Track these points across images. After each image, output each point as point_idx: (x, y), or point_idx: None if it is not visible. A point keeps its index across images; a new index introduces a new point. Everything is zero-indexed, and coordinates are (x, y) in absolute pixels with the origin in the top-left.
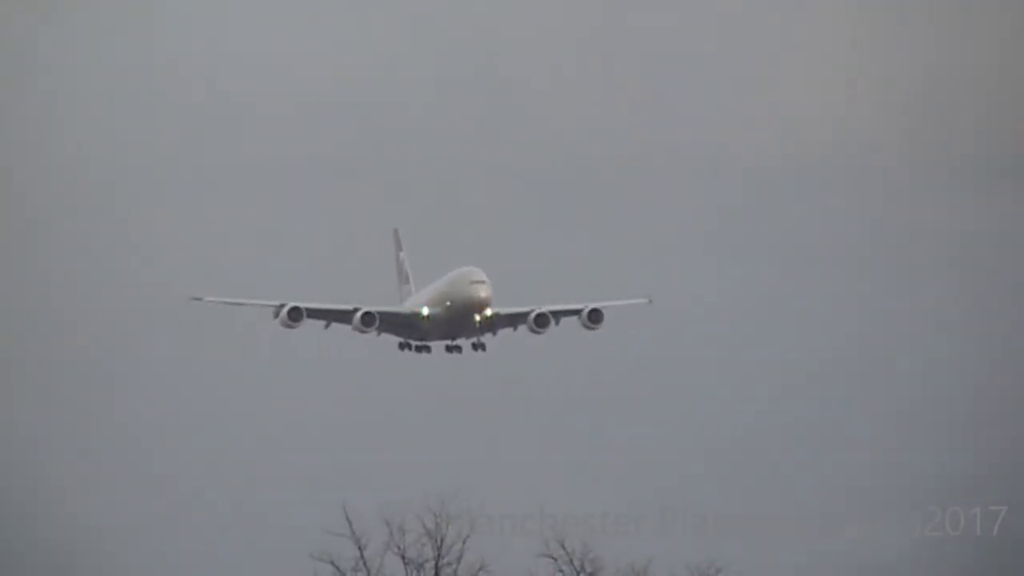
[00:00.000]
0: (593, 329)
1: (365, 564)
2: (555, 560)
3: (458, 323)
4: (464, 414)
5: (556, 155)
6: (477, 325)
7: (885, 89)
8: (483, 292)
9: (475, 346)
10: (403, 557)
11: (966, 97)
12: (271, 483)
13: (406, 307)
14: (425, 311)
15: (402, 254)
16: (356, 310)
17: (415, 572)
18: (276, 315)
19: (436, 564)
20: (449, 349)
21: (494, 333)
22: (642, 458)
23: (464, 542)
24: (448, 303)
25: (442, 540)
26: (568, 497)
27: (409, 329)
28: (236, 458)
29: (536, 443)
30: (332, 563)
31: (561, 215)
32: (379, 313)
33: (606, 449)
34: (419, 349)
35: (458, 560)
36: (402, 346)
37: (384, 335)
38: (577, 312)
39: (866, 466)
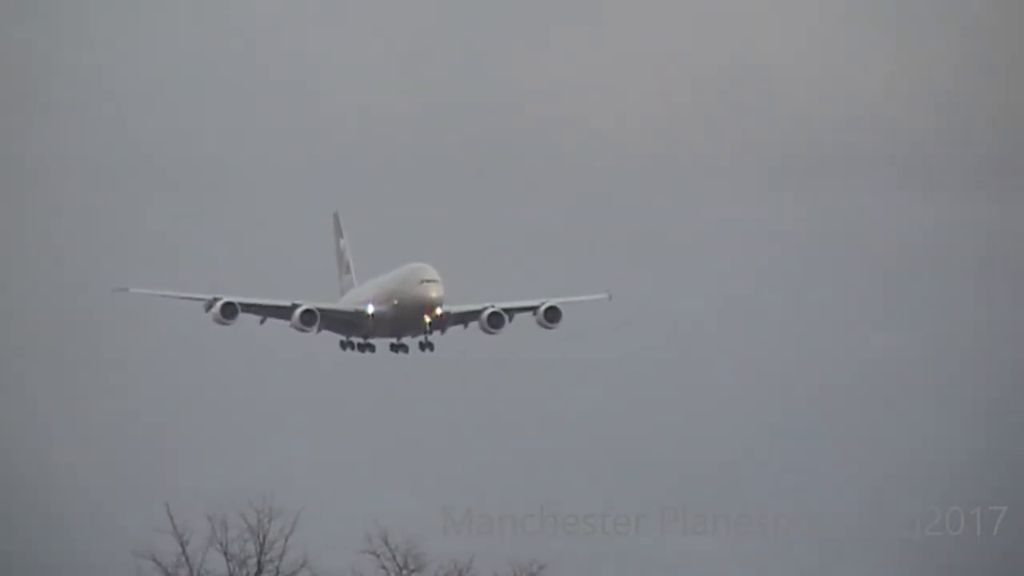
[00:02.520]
0: (550, 328)
1: (188, 560)
2: (378, 556)
3: (405, 322)
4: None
5: (511, 140)
6: (426, 325)
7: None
8: (434, 292)
9: (422, 345)
10: (225, 553)
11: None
12: (94, 479)
13: (349, 304)
14: (370, 309)
15: (343, 240)
16: (295, 307)
17: (237, 568)
18: (208, 309)
19: (259, 561)
20: (394, 348)
21: (443, 331)
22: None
23: (287, 539)
24: (395, 302)
25: (264, 537)
26: (392, 500)
27: (352, 327)
28: (63, 453)
29: (374, 446)
30: (154, 559)
31: (516, 203)
32: (320, 310)
33: (443, 454)
34: (362, 348)
35: (280, 557)
36: (344, 345)
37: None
38: (533, 309)
39: (866, 466)
